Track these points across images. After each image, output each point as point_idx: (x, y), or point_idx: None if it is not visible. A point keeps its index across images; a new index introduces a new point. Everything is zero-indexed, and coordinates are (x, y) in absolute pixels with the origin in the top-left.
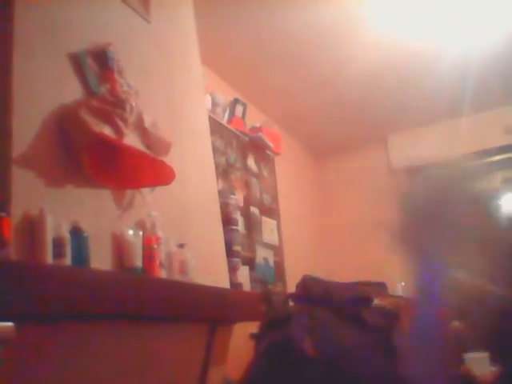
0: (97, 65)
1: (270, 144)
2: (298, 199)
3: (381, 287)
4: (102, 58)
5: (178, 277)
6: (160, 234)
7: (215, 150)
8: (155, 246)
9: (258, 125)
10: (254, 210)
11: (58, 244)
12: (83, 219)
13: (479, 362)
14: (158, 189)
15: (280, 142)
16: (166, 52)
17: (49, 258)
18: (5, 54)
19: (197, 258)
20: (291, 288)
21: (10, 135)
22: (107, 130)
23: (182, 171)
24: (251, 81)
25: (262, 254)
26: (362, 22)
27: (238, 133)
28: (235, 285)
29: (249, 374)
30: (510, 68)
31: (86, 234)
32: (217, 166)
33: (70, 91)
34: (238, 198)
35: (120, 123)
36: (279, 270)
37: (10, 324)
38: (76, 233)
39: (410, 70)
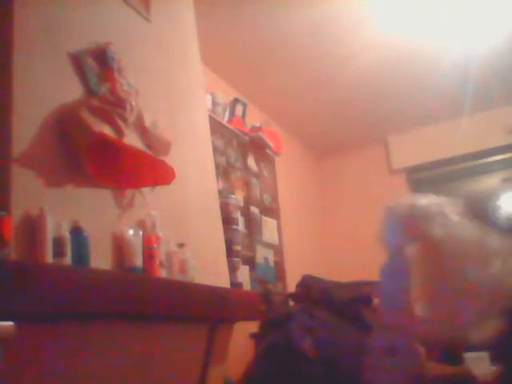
0: (97, 64)
1: (271, 144)
2: (298, 199)
3: None
4: (102, 58)
5: (177, 276)
6: (160, 233)
7: (215, 149)
8: (155, 245)
9: (258, 124)
10: (254, 209)
11: (58, 243)
12: (83, 219)
13: (479, 362)
14: (158, 188)
15: (280, 142)
16: (167, 51)
17: (49, 258)
18: (5, 54)
19: (197, 257)
20: (291, 288)
21: (9, 135)
22: (107, 130)
23: (182, 171)
24: (251, 80)
25: (262, 254)
26: (363, 21)
27: (238, 132)
28: (235, 284)
29: (249, 374)
30: (511, 68)
31: (86, 234)
32: (217, 165)
33: (70, 91)
34: (238, 198)
35: (120, 123)
36: (279, 270)
37: (10, 323)
38: (76, 232)
39: (411, 70)
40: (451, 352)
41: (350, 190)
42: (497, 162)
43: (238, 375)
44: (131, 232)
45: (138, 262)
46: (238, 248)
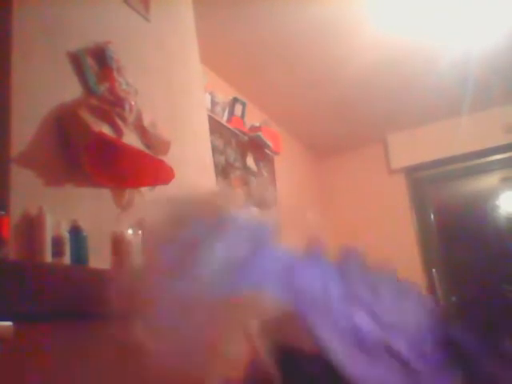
0: (96, 63)
1: (270, 143)
2: (298, 198)
3: None
4: (102, 57)
5: None
6: None
7: (214, 149)
8: None
9: (257, 124)
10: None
11: (57, 243)
12: (82, 218)
13: None
14: (158, 188)
15: (279, 142)
16: (166, 51)
17: (47, 257)
18: (3, 54)
19: None
20: None
21: (9, 134)
22: (106, 129)
23: (182, 170)
24: (250, 80)
25: None
26: (362, 20)
27: (238, 132)
28: None
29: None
30: (510, 67)
31: (84, 233)
32: (216, 165)
33: (69, 90)
34: None
35: (119, 122)
36: None
37: (8, 323)
38: (75, 232)
39: (410, 69)
40: None
41: (349, 189)
42: (496, 161)
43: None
44: (130, 231)
45: (138, 261)
46: None
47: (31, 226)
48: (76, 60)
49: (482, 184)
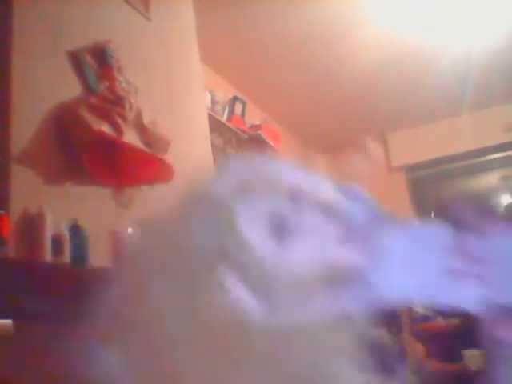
0: (96, 62)
1: (270, 142)
2: None
3: None
4: (102, 56)
5: None
6: None
7: (214, 147)
8: None
9: (257, 123)
10: None
11: (57, 242)
12: (82, 217)
13: (476, 358)
14: (157, 187)
15: (280, 140)
16: (166, 49)
17: (47, 256)
18: (3, 52)
19: None
20: None
21: (8, 133)
22: (106, 128)
23: (181, 169)
24: (250, 78)
25: None
26: (362, 19)
27: (238, 131)
28: None
29: None
30: (510, 66)
31: (85, 232)
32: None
33: (69, 89)
34: None
35: (119, 121)
36: None
37: (8, 321)
38: (75, 231)
39: (411, 68)
40: (450, 350)
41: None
42: (496, 159)
43: None
44: (130, 230)
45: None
46: None
47: (31, 225)
48: (76, 59)
49: (482, 182)
